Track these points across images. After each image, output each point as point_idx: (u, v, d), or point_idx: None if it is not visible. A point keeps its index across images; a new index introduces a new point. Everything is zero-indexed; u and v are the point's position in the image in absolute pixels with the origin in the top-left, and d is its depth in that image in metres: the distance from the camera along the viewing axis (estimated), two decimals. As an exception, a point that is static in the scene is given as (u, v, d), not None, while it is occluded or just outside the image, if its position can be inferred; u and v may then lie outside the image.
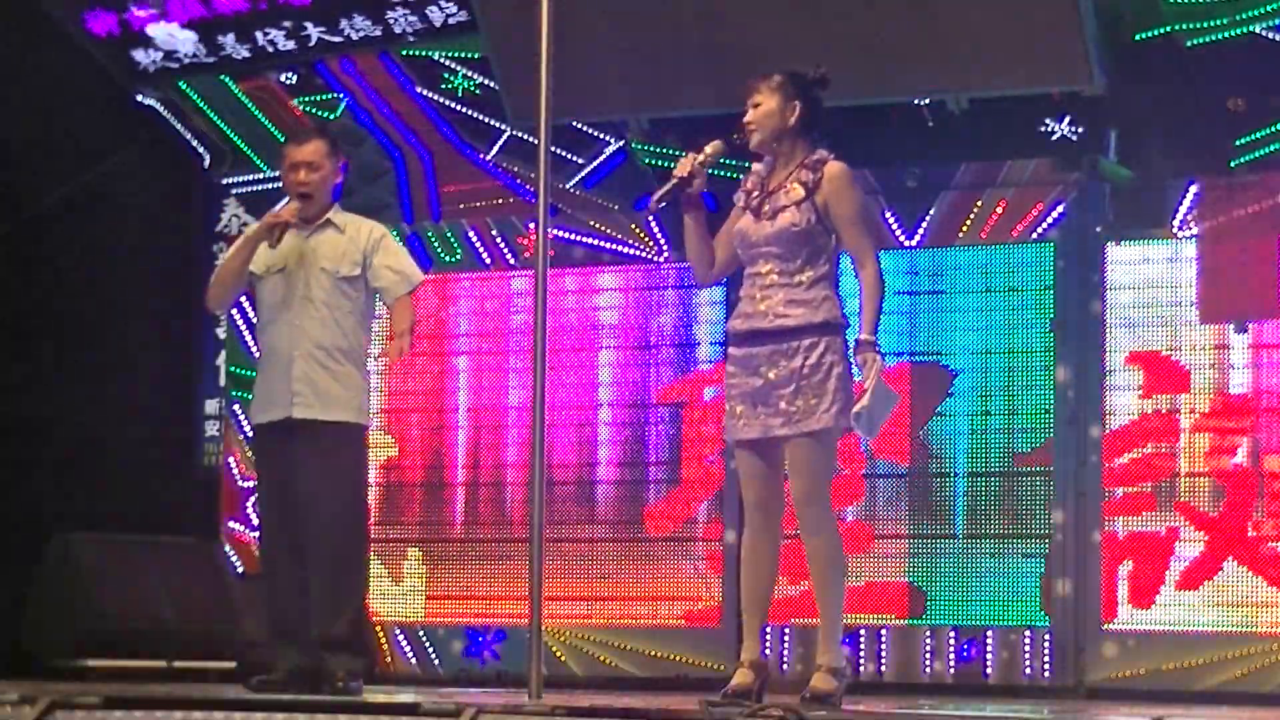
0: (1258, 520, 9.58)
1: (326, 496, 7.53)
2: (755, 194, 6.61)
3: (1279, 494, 9.56)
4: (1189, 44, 9.42)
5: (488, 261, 11.10)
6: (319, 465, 7.52)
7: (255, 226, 7.79)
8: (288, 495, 7.57)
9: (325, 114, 11.28)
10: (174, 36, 10.76)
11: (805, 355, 6.46)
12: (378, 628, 10.85)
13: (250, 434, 8.03)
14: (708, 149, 6.61)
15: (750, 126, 6.60)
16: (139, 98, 11.33)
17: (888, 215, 10.17)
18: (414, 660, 11.00)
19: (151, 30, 10.86)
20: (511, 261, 11.03)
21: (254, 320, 8.04)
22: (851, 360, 6.50)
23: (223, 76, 11.21)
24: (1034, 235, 10.04)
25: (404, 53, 10.90)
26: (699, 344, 10.65)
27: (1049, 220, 10.03)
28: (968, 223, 10.16)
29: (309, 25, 10.71)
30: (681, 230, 6.73)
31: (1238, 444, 9.67)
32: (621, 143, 10.72)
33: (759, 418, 6.51)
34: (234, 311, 11.04)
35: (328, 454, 7.54)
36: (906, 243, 10.22)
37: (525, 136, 10.62)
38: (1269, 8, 9.31)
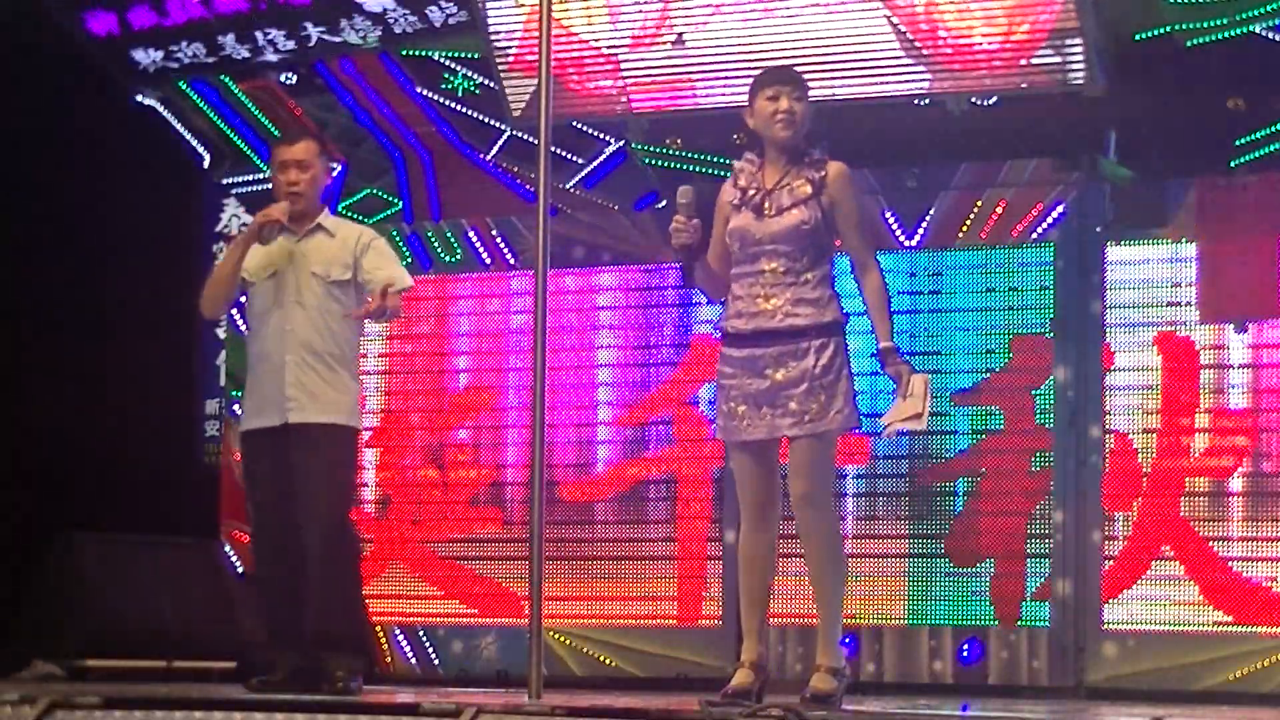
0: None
1: (321, 498, 7.54)
2: (753, 192, 6.57)
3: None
4: (1189, 44, 9.41)
5: (488, 261, 11.09)
6: (314, 467, 7.54)
7: (245, 230, 7.81)
8: (283, 500, 7.58)
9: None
10: None
11: (817, 355, 6.45)
12: (378, 628, 10.84)
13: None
14: (681, 200, 6.48)
15: (794, 119, 6.54)
16: (139, 98, 11.32)
17: (888, 215, 10.16)
18: (414, 660, 11.00)
19: None
20: (511, 261, 11.02)
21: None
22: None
23: (223, 76, 11.21)
24: (1034, 235, 10.03)
25: (404, 53, 10.90)
26: (698, 342, 10.63)
27: (1049, 220, 10.02)
28: (968, 223, 10.15)
29: (309, 25, 10.71)
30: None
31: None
32: (621, 143, 10.71)
33: (765, 418, 6.49)
34: (234, 311, 11.03)
35: (322, 456, 7.56)
36: (906, 243, 10.21)
37: (525, 136, 10.62)
38: (1269, 8, 9.30)
